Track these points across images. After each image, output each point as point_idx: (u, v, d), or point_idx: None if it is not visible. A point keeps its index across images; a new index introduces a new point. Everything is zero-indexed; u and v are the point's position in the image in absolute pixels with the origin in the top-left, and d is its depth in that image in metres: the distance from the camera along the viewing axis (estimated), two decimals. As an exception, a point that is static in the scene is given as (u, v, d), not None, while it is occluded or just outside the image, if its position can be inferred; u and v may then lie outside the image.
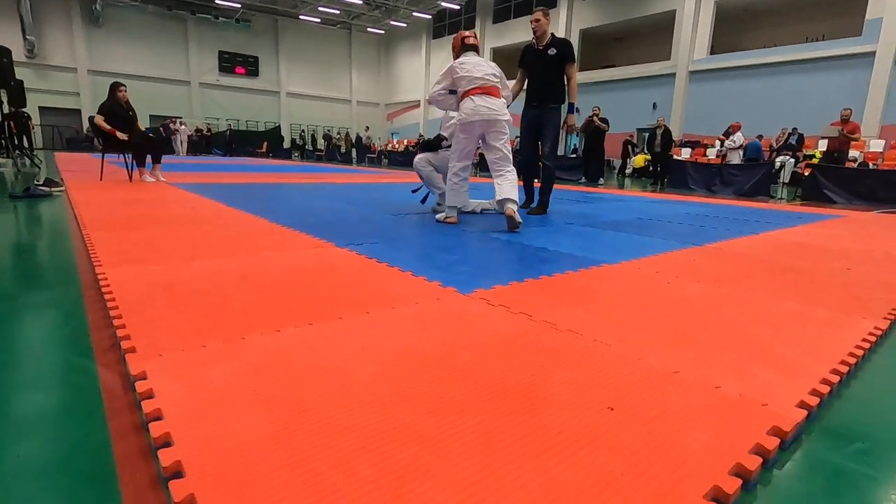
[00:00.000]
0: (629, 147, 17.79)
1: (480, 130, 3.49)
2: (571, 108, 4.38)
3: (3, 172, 7.41)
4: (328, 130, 28.40)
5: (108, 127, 5.83)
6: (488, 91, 3.45)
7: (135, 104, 6.34)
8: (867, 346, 1.43)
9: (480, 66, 3.51)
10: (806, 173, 13.11)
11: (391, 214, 4.04)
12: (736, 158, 10.23)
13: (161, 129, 20.04)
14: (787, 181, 13.93)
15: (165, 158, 7.35)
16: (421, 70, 30.24)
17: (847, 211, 6.14)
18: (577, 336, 1.41)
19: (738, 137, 10.38)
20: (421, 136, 27.12)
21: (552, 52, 4.29)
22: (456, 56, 3.67)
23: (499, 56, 25.37)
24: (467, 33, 3.74)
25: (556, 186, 4.86)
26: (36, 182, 5.12)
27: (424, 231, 3.30)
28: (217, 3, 25.25)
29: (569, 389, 1.09)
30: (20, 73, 24.92)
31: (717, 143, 16.40)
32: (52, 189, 5.02)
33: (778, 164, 14.60)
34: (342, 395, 1.02)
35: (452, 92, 3.64)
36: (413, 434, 0.89)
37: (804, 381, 1.17)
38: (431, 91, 3.73)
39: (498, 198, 3.44)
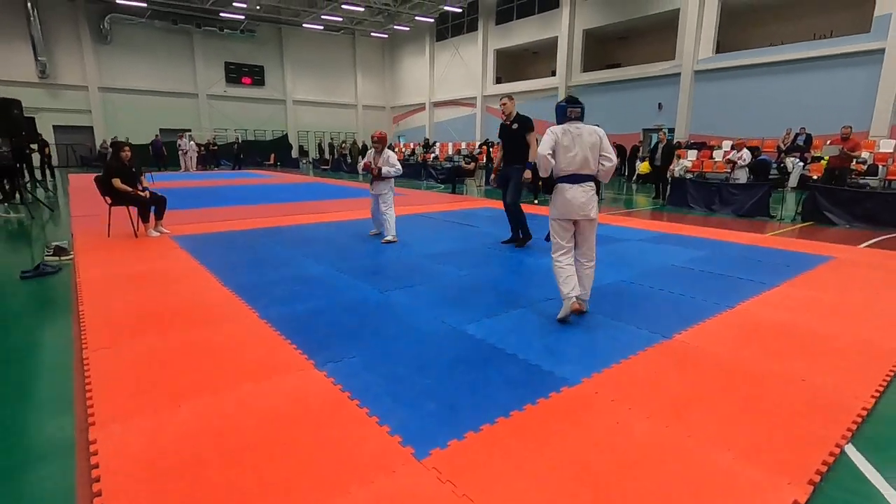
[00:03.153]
0: (634, 152, 17.75)
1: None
2: (529, 165, 5.27)
3: (21, 222, 7.73)
4: (332, 138, 28.64)
5: (129, 188, 6.15)
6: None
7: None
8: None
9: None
10: (814, 176, 12.95)
11: (379, 291, 4.19)
12: (742, 177, 10.09)
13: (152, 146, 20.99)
14: (794, 185, 13.72)
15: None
16: (425, 72, 30.24)
17: (840, 247, 6.13)
18: (508, 539, 1.56)
19: (746, 154, 10.25)
20: (426, 139, 27.19)
21: (515, 126, 5.63)
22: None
23: (502, 56, 25.22)
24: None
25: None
26: (46, 251, 5.38)
27: (402, 330, 3.35)
28: (221, 16, 25.52)
29: None
30: (34, 94, 25.37)
31: (725, 144, 16.25)
32: (62, 258, 5.29)
33: (790, 167, 14.34)
34: None
35: None
36: None
37: None
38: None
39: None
